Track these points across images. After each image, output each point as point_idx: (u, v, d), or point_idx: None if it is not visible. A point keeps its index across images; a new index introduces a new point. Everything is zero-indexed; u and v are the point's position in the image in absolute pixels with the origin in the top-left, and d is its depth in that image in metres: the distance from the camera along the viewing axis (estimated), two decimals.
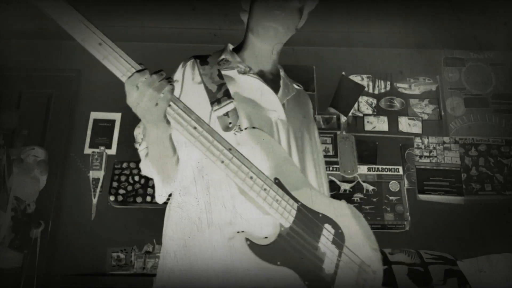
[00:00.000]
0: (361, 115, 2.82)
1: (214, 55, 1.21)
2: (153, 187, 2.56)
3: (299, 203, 1.03)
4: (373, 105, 2.85)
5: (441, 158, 2.71)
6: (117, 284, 2.17)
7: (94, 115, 2.75)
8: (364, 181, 2.66)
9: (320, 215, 1.05)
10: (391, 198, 2.63)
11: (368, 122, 2.80)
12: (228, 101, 1.07)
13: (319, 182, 1.20)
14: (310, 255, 1.01)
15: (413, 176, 2.68)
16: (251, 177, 0.97)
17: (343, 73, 2.87)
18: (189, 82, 1.13)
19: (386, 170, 2.69)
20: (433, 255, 2.26)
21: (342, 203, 1.14)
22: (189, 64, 1.16)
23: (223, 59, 1.18)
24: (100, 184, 2.58)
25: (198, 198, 1.19)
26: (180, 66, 1.17)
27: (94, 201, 2.55)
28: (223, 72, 1.13)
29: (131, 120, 3.01)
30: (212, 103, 1.07)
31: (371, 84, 2.89)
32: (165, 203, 1.26)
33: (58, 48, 2.80)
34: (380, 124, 2.80)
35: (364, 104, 2.84)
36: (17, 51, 2.73)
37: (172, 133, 1.04)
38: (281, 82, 1.23)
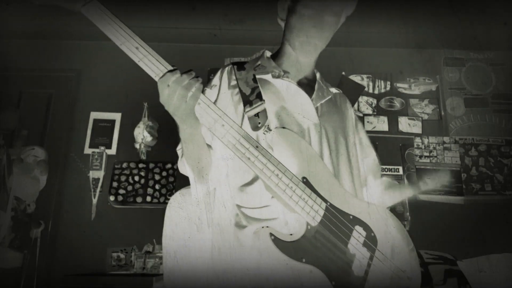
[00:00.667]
0: (361, 115, 2.82)
1: (251, 61, 1.26)
2: (153, 187, 2.57)
3: (328, 203, 1.03)
4: (373, 105, 2.85)
5: (441, 158, 2.71)
6: (117, 284, 2.17)
7: (94, 115, 2.75)
8: None
9: (351, 216, 1.05)
10: None
11: (368, 122, 2.80)
12: (260, 103, 1.11)
13: (355, 185, 1.20)
14: (338, 255, 1.01)
15: (413, 176, 2.68)
16: (277, 175, 0.99)
17: (343, 73, 2.87)
18: (226, 86, 1.19)
19: (386, 170, 2.69)
20: (433, 255, 2.26)
21: (380, 207, 1.13)
22: (227, 69, 1.22)
23: (259, 64, 1.23)
24: (100, 184, 2.58)
25: (198, 198, 1.20)
26: (219, 71, 1.23)
27: (94, 201, 2.55)
28: (258, 77, 1.18)
29: (131, 120, 3.02)
30: (244, 105, 1.12)
31: (371, 84, 2.89)
32: (165, 203, 1.26)
33: (58, 48, 2.80)
34: (380, 124, 2.80)
35: (364, 104, 2.84)
36: (17, 51, 2.73)
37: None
38: (316, 86, 1.25)
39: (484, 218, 2.53)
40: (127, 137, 2.67)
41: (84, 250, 2.44)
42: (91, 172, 2.59)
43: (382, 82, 2.89)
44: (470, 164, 2.70)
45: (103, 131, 2.72)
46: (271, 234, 0.97)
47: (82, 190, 2.58)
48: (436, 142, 2.74)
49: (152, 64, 0.97)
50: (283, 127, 1.08)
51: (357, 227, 1.04)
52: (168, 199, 1.28)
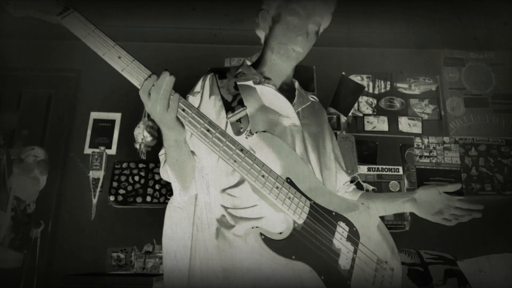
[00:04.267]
0: (361, 115, 2.82)
1: (232, 69, 1.30)
2: (153, 187, 2.57)
3: (312, 201, 1.08)
4: (373, 105, 2.85)
5: (441, 158, 2.71)
6: (117, 284, 2.17)
7: (94, 115, 2.75)
8: (364, 181, 2.66)
9: (333, 213, 1.10)
10: None
11: (368, 122, 2.80)
12: (241, 109, 1.15)
13: (333, 183, 1.28)
14: (325, 251, 1.04)
15: (413, 176, 2.68)
16: (263, 175, 1.02)
17: (343, 73, 2.87)
18: (208, 94, 1.22)
19: (386, 170, 2.69)
20: (433, 255, 2.26)
21: (357, 203, 1.19)
22: (208, 77, 1.25)
23: (240, 72, 1.27)
24: (100, 184, 2.58)
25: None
26: (201, 79, 1.27)
27: (94, 201, 2.55)
28: (239, 83, 1.22)
29: (131, 120, 3.02)
30: (227, 112, 1.15)
31: (371, 84, 2.89)
32: (165, 203, 1.26)
33: (58, 48, 2.80)
34: (380, 124, 2.80)
35: (364, 104, 2.84)
36: (17, 51, 2.73)
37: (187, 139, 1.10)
38: (296, 92, 1.31)
39: (484, 218, 2.53)
40: (127, 137, 2.67)
41: (84, 250, 2.45)
42: (91, 172, 2.59)
43: (382, 82, 2.89)
44: (470, 164, 2.70)
45: (103, 131, 2.72)
46: (261, 234, 1.01)
47: (82, 190, 2.58)
48: (436, 142, 2.74)
49: (134, 73, 0.96)
50: (264, 131, 1.11)
51: (340, 223, 1.09)
52: (168, 199, 1.28)
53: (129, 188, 2.56)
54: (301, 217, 1.05)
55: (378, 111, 2.84)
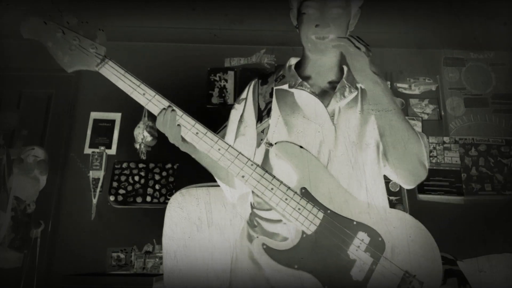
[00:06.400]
0: None
1: (277, 71, 1.28)
2: (153, 187, 2.57)
3: (329, 211, 1.06)
4: None
5: (441, 158, 2.71)
6: (117, 284, 2.17)
7: (94, 115, 2.75)
8: None
9: (355, 222, 1.06)
10: (391, 198, 2.63)
11: None
12: (266, 119, 1.16)
13: (372, 190, 1.17)
14: (334, 260, 1.03)
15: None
16: (272, 189, 1.05)
17: None
18: (250, 101, 1.24)
19: None
20: None
21: (402, 215, 1.13)
22: (253, 84, 1.27)
23: (280, 75, 1.25)
24: (100, 184, 2.58)
25: (198, 198, 1.21)
26: (248, 86, 1.29)
27: (94, 201, 2.55)
28: (276, 88, 1.21)
29: (131, 120, 3.02)
30: (257, 122, 1.19)
31: None
32: (165, 203, 1.26)
33: None
34: None
35: None
36: (17, 51, 2.73)
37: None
38: (338, 86, 1.20)
39: (484, 218, 2.53)
40: (127, 137, 2.67)
41: (84, 250, 2.44)
42: (91, 172, 2.59)
43: None
44: (470, 164, 2.70)
45: (103, 131, 2.72)
46: (263, 244, 1.03)
47: (82, 190, 2.58)
48: (436, 142, 2.74)
49: (156, 105, 1.10)
50: (285, 141, 1.11)
51: (360, 233, 1.05)
52: (168, 199, 1.29)
53: (129, 188, 2.56)
54: (310, 228, 1.04)
55: None
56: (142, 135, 2.55)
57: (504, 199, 2.62)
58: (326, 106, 1.16)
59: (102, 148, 2.64)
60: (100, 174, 2.59)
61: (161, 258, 2.39)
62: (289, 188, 1.06)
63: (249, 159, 1.07)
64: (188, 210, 1.27)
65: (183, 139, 1.08)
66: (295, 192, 1.06)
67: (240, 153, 1.07)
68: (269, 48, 2.78)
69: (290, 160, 1.08)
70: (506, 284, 2.06)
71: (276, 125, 1.15)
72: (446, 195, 2.63)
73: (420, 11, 2.48)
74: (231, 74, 2.84)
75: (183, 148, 1.10)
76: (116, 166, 2.61)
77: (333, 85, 1.22)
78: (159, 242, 2.21)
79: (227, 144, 1.08)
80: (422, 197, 2.64)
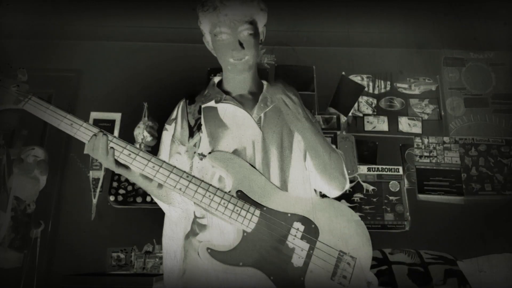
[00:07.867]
0: (361, 115, 2.82)
1: (202, 92, 1.36)
2: None
3: (264, 208, 1.14)
4: (373, 105, 2.85)
5: (441, 158, 2.71)
6: (117, 284, 2.17)
7: (94, 115, 2.75)
8: (364, 181, 2.66)
9: (289, 214, 1.15)
10: (391, 198, 2.63)
11: (368, 122, 2.80)
12: (197, 133, 1.23)
13: (301, 185, 1.26)
14: (275, 252, 1.11)
15: (413, 176, 2.68)
16: (209, 196, 1.11)
17: (343, 73, 2.87)
18: (180, 121, 1.30)
19: (386, 170, 2.69)
20: (433, 255, 2.26)
21: (323, 201, 1.22)
22: (181, 104, 1.33)
23: (206, 93, 1.34)
24: (100, 184, 2.58)
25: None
26: (176, 107, 1.34)
27: (94, 201, 2.55)
28: (204, 106, 1.28)
29: (131, 120, 3.02)
30: (189, 137, 1.24)
31: (371, 84, 2.89)
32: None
33: (58, 48, 2.80)
34: (380, 124, 2.80)
35: (364, 104, 2.84)
36: (17, 51, 2.73)
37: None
38: (260, 97, 1.30)
39: (484, 218, 2.54)
40: (127, 137, 2.65)
41: (84, 250, 2.45)
42: (91, 172, 2.59)
43: (382, 82, 2.89)
44: (470, 164, 2.70)
45: None
46: (207, 248, 1.09)
47: (82, 190, 2.58)
48: (436, 142, 2.74)
49: (85, 134, 1.18)
50: (216, 150, 1.18)
51: (295, 223, 1.14)
52: None
53: (129, 188, 2.56)
54: (249, 226, 1.11)
55: (378, 111, 2.84)
56: (142, 135, 2.55)
57: (504, 199, 2.62)
58: (251, 115, 1.25)
59: None
60: (100, 174, 2.59)
61: (161, 258, 2.39)
62: (225, 193, 1.13)
63: (184, 172, 1.12)
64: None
65: (117, 162, 1.12)
66: (232, 196, 1.13)
67: (175, 167, 1.12)
68: (269, 48, 2.78)
69: (223, 166, 1.16)
70: (506, 284, 2.07)
71: (206, 138, 1.22)
72: (446, 195, 2.63)
73: (420, 11, 2.48)
74: None
75: (117, 171, 1.14)
76: None
77: (254, 96, 1.32)
78: (159, 242, 2.21)
79: (162, 160, 1.13)
80: (422, 197, 2.64)
